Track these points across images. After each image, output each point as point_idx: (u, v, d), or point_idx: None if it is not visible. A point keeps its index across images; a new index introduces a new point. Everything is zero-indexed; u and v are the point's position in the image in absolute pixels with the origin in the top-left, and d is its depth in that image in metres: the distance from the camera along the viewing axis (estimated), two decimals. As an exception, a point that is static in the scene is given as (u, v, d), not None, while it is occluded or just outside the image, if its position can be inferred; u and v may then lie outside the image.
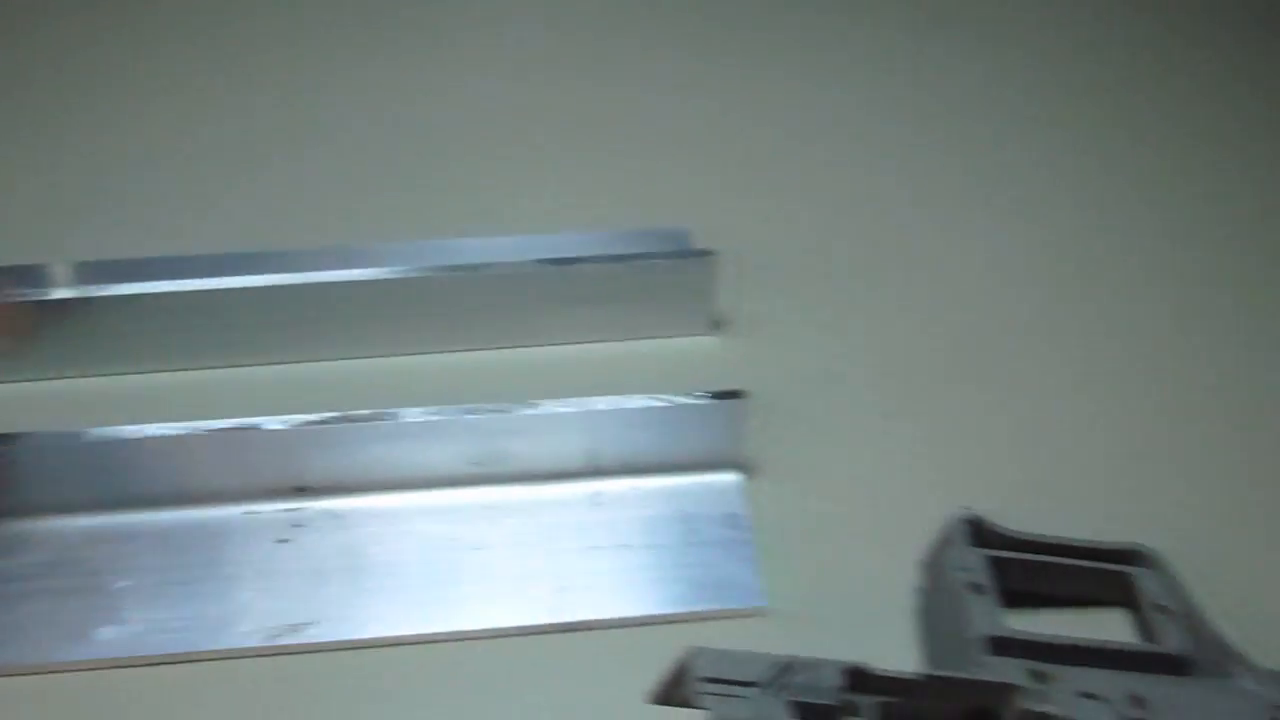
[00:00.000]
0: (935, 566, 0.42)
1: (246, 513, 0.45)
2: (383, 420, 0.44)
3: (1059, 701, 0.34)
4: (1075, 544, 0.41)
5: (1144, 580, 0.40)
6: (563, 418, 0.45)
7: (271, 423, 0.44)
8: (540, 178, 0.65)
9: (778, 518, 0.45)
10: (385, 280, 0.51)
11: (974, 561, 0.40)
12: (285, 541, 0.44)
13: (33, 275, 0.53)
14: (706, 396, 0.45)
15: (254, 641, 0.41)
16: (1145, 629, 0.40)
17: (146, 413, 0.48)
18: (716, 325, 0.54)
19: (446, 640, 0.41)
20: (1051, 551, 0.41)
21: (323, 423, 0.44)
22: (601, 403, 0.45)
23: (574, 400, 0.45)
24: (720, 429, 0.45)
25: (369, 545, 0.44)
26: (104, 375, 0.52)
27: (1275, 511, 0.46)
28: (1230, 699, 0.36)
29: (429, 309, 0.52)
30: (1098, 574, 0.41)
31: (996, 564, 0.40)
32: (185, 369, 0.52)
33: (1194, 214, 0.63)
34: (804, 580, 0.43)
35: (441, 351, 0.53)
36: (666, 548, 0.44)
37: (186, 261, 0.54)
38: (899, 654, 0.40)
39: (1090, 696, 0.35)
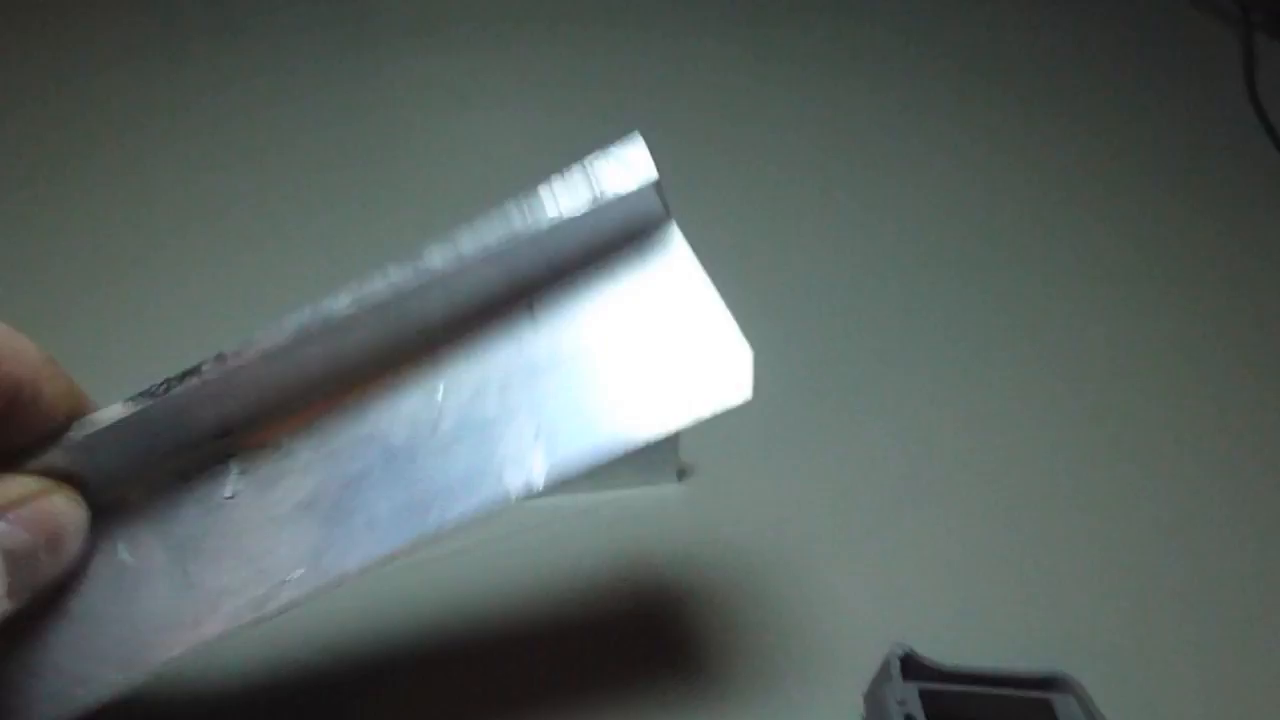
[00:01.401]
0: (874, 700, 0.45)
1: (180, 478, 0.40)
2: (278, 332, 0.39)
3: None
4: (998, 673, 0.45)
5: (1063, 705, 0.44)
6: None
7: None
8: None
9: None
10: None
11: (908, 695, 0.43)
12: (233, 497, 0.39)
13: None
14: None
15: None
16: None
17: None
18: (682, 473, 0.56)
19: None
20: (977, 681, 0.45)
21: (213, 364, 0.39)
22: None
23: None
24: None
25: (321, 468, 0.39)
26: None
27: (1185, 636, 0.51)
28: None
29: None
30: (1021, 701, 0.44)
31: (929, 696, 0.43)
32: None
33: (1130, 348, 0.66)
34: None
35: None
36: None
37: None
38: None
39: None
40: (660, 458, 0.54)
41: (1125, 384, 0.64)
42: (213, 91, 0.85)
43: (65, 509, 0.37)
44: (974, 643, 0.49)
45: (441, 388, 0.40)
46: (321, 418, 0.40)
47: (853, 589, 0.52)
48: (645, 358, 0.38)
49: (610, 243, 0.39)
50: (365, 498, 0.39)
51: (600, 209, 0.38)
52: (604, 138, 0.38)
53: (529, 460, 0.38)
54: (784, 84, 0.91)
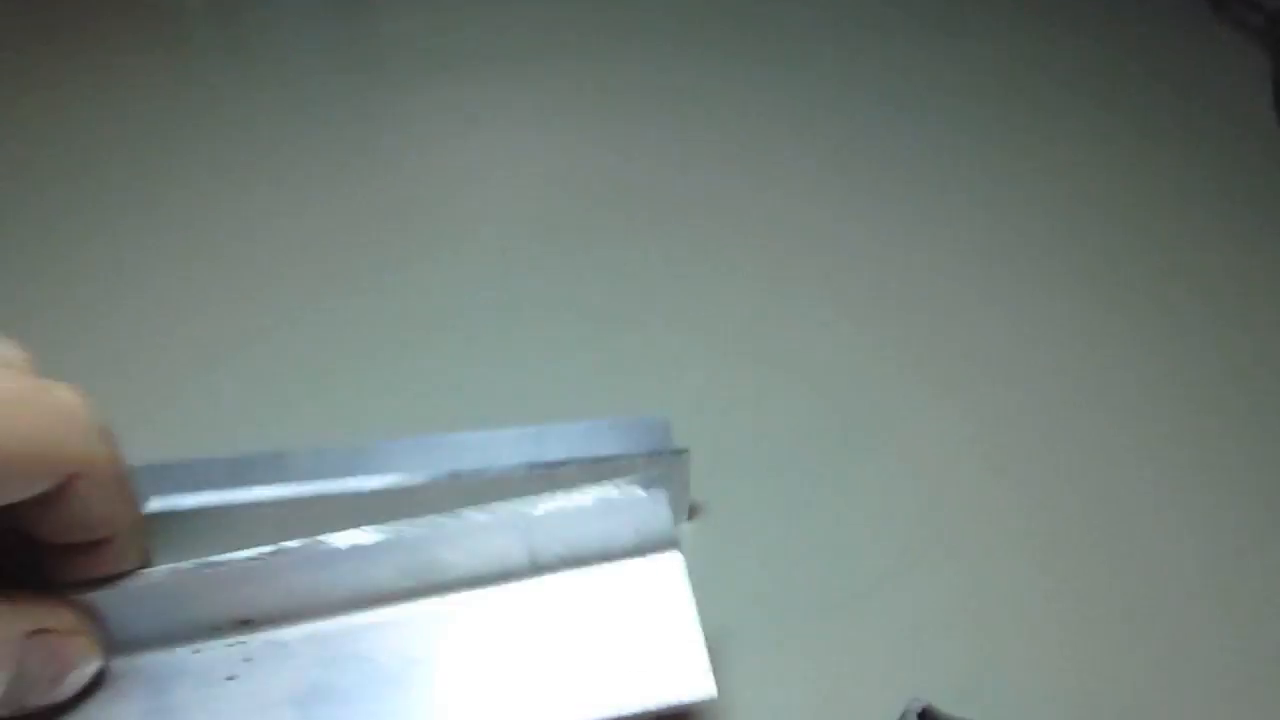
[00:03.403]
0: None
1: (194, 651, 0.45)
2: (316, 548, 0.45)
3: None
4: None
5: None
6: (491, 524, 0.46)
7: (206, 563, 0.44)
8: (503, 362, 0.66)
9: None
10: (359, 494, 0.52)
11: None
12: (234, 678, 0.44)
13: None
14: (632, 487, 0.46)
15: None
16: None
17: None
18: (691, 514, 0.56)
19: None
20: None
21: (258, 559, 0.44)
22: (535, 505, 0.46)
23: (505, 505, 0.46)
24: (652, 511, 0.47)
25: (318, 670, 0.44)
26: None
27: (1223, 697, 0.48)
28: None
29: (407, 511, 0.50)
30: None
31: None
32: None
33: (1156, 381, 0.64)
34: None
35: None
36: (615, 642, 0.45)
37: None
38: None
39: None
40: (671, 496, 0.53)
41: (1155, 422, 0.62)
42: (223, 115, 0.88)
43: (83, 655, 0.42)
44: (989, 699, 0.47)
45: (443, 630, 0.46)
46: (332, 628, 0.46)
47: (866, 638, 0.50)
48: (615, 641, 0.45)
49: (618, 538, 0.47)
50: (350, 709, 0.44)
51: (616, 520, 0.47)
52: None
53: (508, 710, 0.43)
54: (790, 90, 0.92)
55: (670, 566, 0.47)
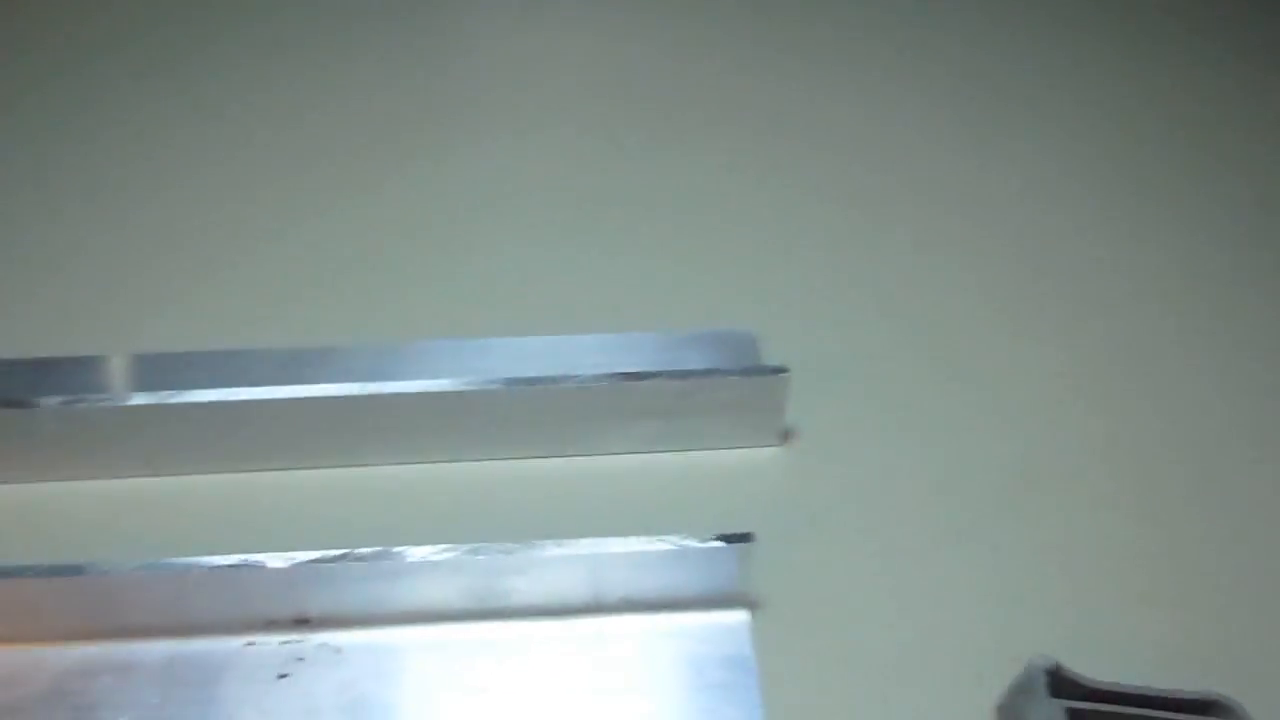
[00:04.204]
0: (1012, 715, 0.42)
1: (247, 644, 0.44)
2: (387, 559, 0.43)
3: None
4: (1154, 694, 0.41)
5: (1225, 731, 0.41)
6: (568, 558, 0.44)
7: (274, 560, 0.43)
8: (590, 268, 0.62)
9: (804, 653, 0.45)
10: (438, 394, 0.49)
11: (1054, 712, 0.40)
12: (285, 676, 0.44)
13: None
14: (715, 540, 0.44)
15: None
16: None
17: (148, 520, 0.49)
18: (784, 437, 0.52)
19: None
20: (1131, 702, 0.41)
21: (325, 561, 0.43)
22: (608, 545, 0.44)
23: (579, 543, 0.44)
24: (730, 569, 0.45)
25: (370, 682, 0.44)
26: (98, 479, 0.50)
27: None
28: None
29: (484, 419, 0.50)
30: (1178, 725, 0.41)
31: (1076, 715, 0.40)
32: (193, 473, 0.51)
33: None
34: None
35: (492, 459, 0.52)
36: (671, 691, 0.44)
37: (206, 360, 0.53)
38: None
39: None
40: (763, 418, 0.51)
41: (1256, 367, 0.58)
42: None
43: None
44: (1113, 659, 0.44)
45: (500, 657, 0.44)
46: (389, 640, 0.45)
47: (971, 586, 0.47)
48: (671, 693, 0.44)
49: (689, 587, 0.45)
50: None
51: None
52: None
53: None
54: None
55: (737, 626, 0.46)
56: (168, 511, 0.49)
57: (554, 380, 0.49)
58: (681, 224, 0.65)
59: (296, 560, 0.43)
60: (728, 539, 0.44)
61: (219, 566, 0.42)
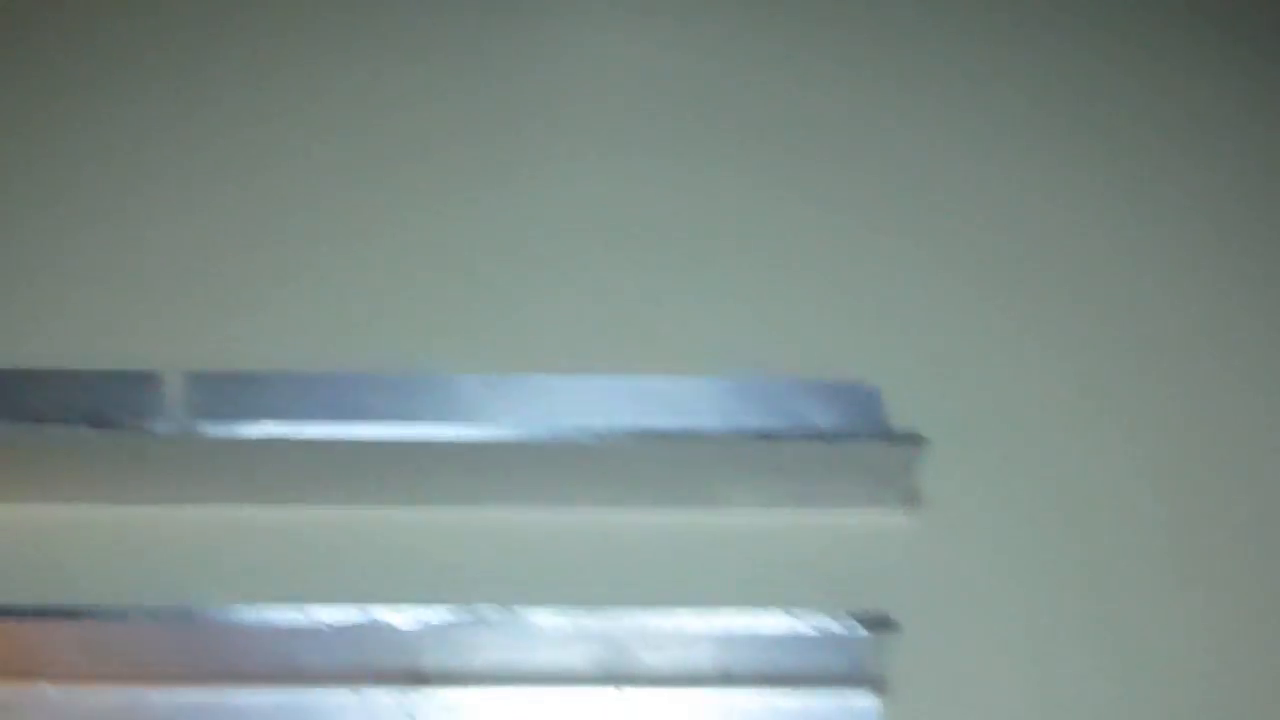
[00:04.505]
0: None
1: (358, 697, 0.43)
2: (509, 622, 0.41)
3: None
4: None
5: None
6: (699, 635, 0.42)
7: (398, 618, 0.41)
8: (693, 303, 0.59)
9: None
10: (565, 443, 0.47)
11: None
12: None
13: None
14: (853, 622, 0.42)
15: None
16: None
17: (253, 552, 0.47)
18: (912, 501, 0.50)
19: None
20: None
21: (445, 623, 0.41)
22: (742, 621, 0.42)
23: (709, 615, 0.42)
24: (864, 651, 0.43)
25: None
26: (194, 505, 0.48)
27: None
28: None
29: (604, 469, 0.48)
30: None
31: None
32: (299, 504, 0.49)
33: None
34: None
35: (608, 507, 0.49)
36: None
37: (299, 385, 0.50)
38: None
39: None
40: (892, 482, 0.49)
41: None
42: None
43: None
44: None
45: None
46: (507, 699, 0.43)
47: (1117, 679, 0.45)
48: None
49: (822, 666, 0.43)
50: None
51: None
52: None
53: None
54: None
55: (865, 710, 0.44)
56: (274, 544, 0.48)
57: (680, 435, 0.48)
58: (797, 258, 0.62)
59: (422, 621, 0.41)
60: (867, 623, 0.42)
61: (338, 624, 0.41)
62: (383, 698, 0.43)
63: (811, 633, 0.41)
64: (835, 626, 0.42)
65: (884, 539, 0.50)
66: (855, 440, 0.48)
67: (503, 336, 0.57)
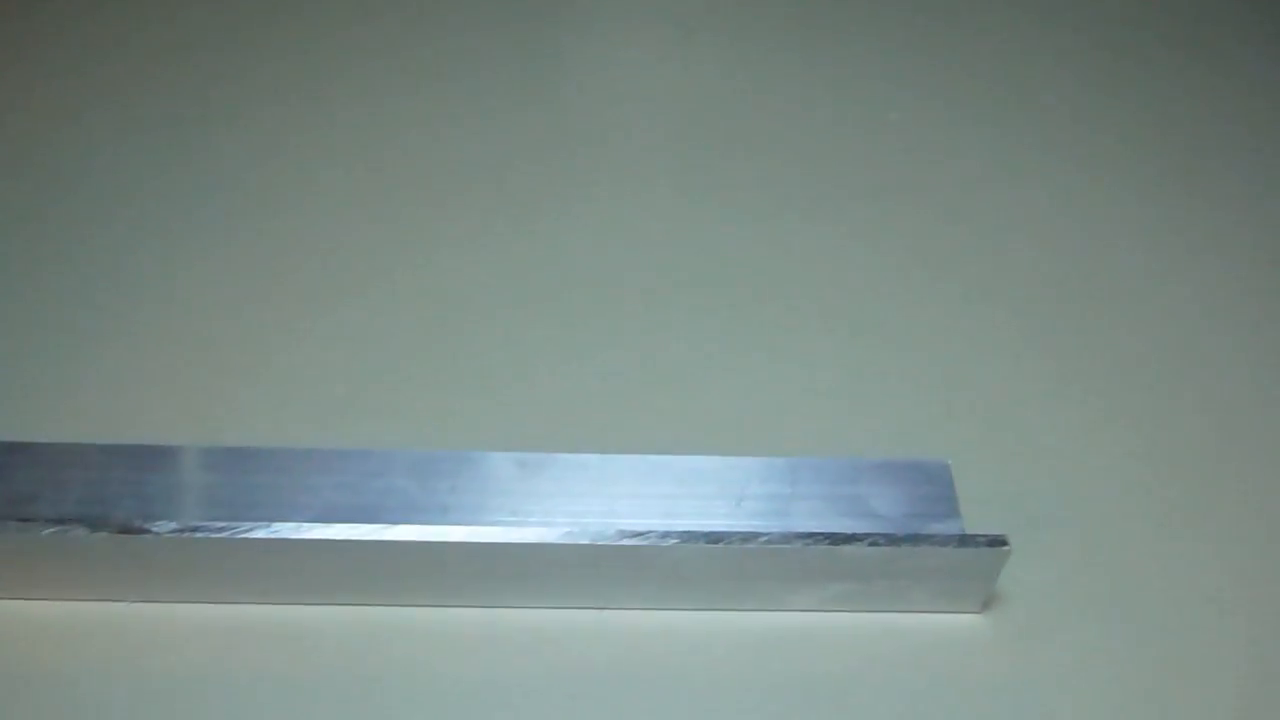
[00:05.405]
0: None
1: None
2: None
3: None
4: None
5: None
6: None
7: None
8: (750, 377, 0.54)
9: None
10: (624, 548, 0.42)
11: None
12: None
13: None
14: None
15: None
16: None
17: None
18: (986, 604, 0.46)
19: None
20: None
21: None
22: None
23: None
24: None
25: None
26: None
27: None
28: None
29: (650, 569, 0.44)
30: None
31: None
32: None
33: None
34: None
35: (659, 609, 0.45)
36: None
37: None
38: None
39: None
40: (968, 586, 0.45)
41: None
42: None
43: None
44: None
45: None
46: None
47: None
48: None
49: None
50: None
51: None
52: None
53: None
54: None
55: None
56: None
57: (741, 538, 0.43)
58: (856, 325, 0.57)
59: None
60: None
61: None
62: None
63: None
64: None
65: (954, 644, 0.45)
66: (933, 545, 0.43)
67: (542, 412, 0.52)
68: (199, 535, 0.41)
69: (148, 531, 0.41)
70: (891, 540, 0.43)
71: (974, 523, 0.46)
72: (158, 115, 0.67)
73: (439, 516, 0.44)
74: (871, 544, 0.43)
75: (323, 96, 0.68)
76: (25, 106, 0.66)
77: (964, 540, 0.44)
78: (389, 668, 0.43)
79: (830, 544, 0.43)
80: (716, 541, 0.42)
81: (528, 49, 0.73)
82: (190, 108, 0.67)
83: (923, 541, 0.43)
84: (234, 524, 0.41)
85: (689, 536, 0.42)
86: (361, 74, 0.70)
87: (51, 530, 0.41)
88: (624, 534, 0.42)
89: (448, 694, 0.42)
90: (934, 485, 0.48)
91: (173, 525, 0.41)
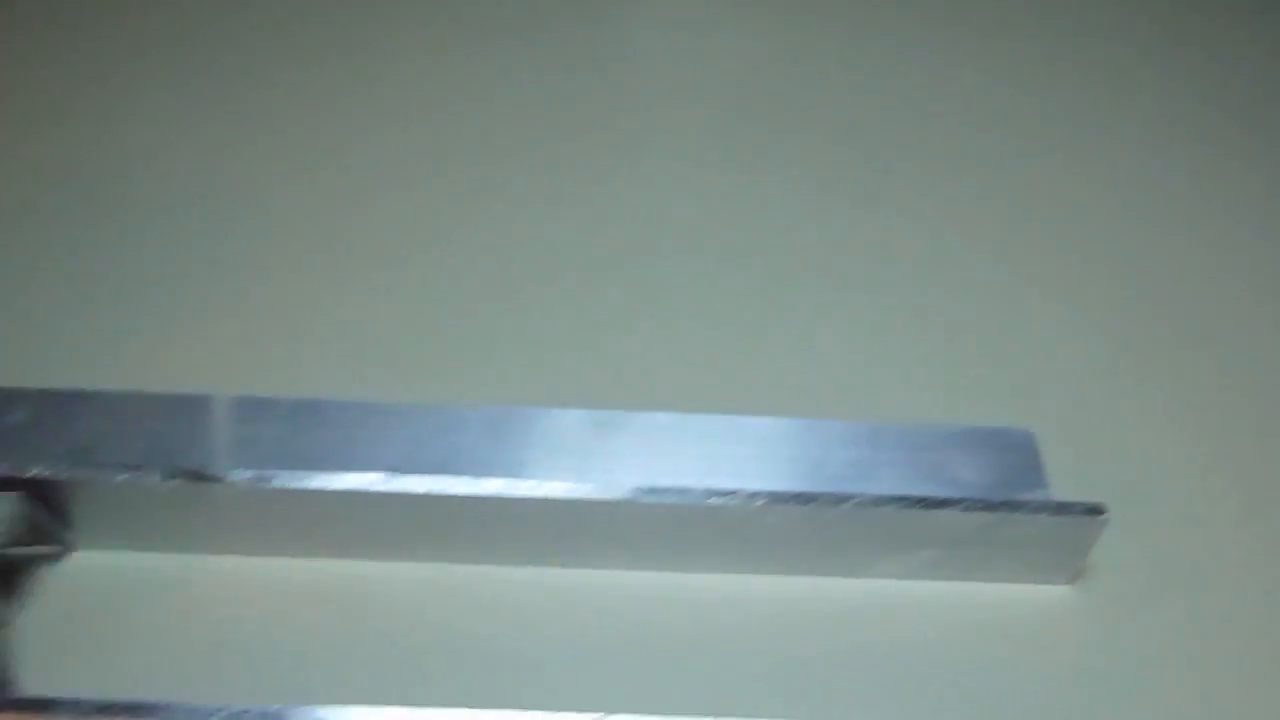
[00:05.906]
0: None
1: None
2: None
3: None
4: None
5: None
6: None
7: None
8: (827, 340, 0.53)
9: None
10: (696, 507, 0.41)
11: None
12: None
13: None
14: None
15: None
16: None
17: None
18: (1075, 575, 0.44)
19: None
20: None
21: None
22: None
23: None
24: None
25: None
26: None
27: None
28: None
29: (739, 531, 0.42)
30: None
31: None
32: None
33: None
34: None
35: (746, 573, 0.44)
36: None
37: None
38: None
39: None
40: (1059, 556, 0.44)
41: None
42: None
43: None
44: None
45: None
46: None
47: None
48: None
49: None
50: None
51: None
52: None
53: None
54: None
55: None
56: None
57: (833, 500, 0.41)
58: (934, 294, 0.56)
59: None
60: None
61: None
62: None
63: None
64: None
65: (1043, 616, 0.44)
66: (1028, 512, 0.42)
67: (616, 371, 0.51)
68: (274, 485, 0.39)
69: (220, 480, 0.39)
70: (987, 505, 0.42)
71: (1060, 495, 0.44)
72: (226, 64, 0.66)
73: (513, 471, 0.43)
74: (965, 509, 0.41)
75: (396, 54, 0.67)
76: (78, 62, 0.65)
77: (1060, 508, 0.43)
78: (457, 625, 0.42)
79: (923, 508, 0.41)
80: (807, 502, 0.41)
81: (591, 14, 0.71)
82: (261, 56, 0.66)
83: (1019, 508, 0.42)
84: (308, 473, 0.40)
85: (778, 498, 0.40)
86: (431, 33, 0.69)
87: (124, 476, 0.39)
88: (711, 493, 0.40)
89: (522, 654, 0.41)
90: (1019, 455, 0.46)
91: (249, 474, 0.40)
